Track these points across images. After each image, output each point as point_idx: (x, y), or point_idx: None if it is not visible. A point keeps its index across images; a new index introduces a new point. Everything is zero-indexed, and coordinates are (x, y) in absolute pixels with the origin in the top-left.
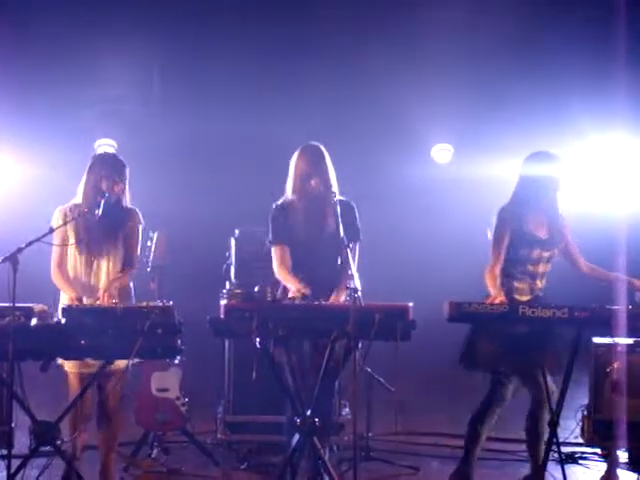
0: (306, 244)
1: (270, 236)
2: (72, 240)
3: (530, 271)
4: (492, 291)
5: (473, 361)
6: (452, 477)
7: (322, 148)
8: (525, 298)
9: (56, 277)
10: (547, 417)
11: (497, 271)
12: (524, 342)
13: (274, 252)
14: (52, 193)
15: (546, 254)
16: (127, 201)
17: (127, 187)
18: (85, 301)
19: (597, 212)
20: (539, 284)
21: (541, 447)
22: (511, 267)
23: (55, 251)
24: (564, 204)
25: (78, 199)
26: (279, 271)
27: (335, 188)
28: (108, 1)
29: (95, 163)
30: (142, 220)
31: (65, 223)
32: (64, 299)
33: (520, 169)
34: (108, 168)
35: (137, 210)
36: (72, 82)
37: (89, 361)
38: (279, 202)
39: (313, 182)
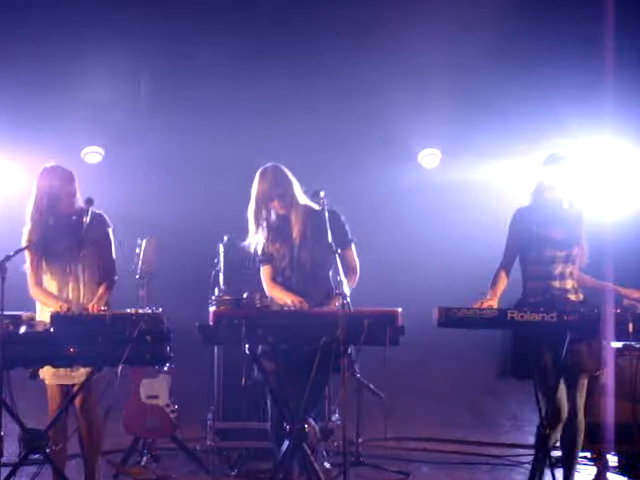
0: (283, 272)
1: (259, 255)
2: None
3: (543, 272)
4: (487, 294)
5: (523, 370)
6: None
7: (279, 167)
8: (538, 298)
9: (36, 294)
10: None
11: (500, 272)
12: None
13: (262, 272)
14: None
15: (561, 254)
16: (80, 203)
17: (76, 192)
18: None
19: (586, 215)
20: (557, 284)
21: (576, 454)
22: (525, 268)
23: (29, 269)
24: (587, 207)
25: (33, 218)
26: (270, 290)
27: (301, 197)
28: (96, 9)
29: (38, 180)
30: (110, 223)
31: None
32: (42, 312)
33: (539, 172)
34: (54, 178)
35: (102, 214)
36: (59, 89)
37: (68, 372)
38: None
39: (274, 205)
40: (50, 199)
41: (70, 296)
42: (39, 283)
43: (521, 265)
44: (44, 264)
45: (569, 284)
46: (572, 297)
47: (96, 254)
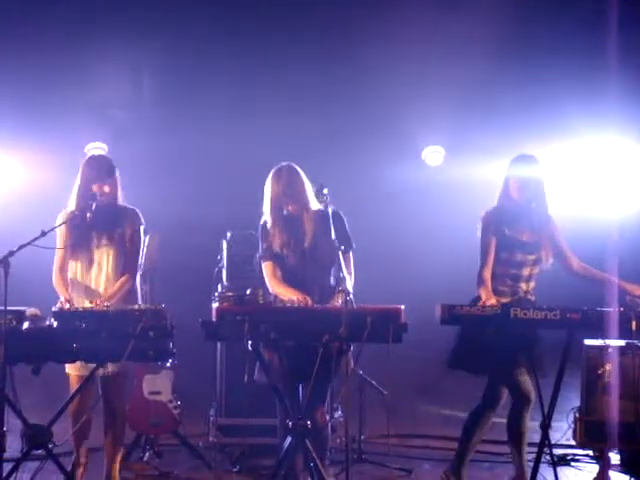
0: (290, 269)
1: (260, 251)
2: (61, 244)
3: (513, 274)
4: (482, 294)
5: (457, 361)
6: (443, 478)
7: (294, 168)
8: (505, 299)
9: (56, 281)
10: (528, 417)
11: (486, 274)
12: (506, 343)
13: (264, 268)
14: (43, 197)
15: (531, 257)
16: (120, 200)
17: (119, 186)
18: (87, 304)
19: (589, 213)
20: (524, 287)
21: (524, 448)
22: (495, 269)
23: (56, 255)
24: (554, 205)
25: (71, 205)
26: (272, 285)
27: (313, 202)
28: (98, 7)
29: (83, 167)
30: (143, 220)
31: (53, 228)
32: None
33: (506, 173)
34: (94, 170)
35: (136, 210)
36: (62, 87)
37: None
38: (264, 219)
39: (287, 206)
40: (93, 189)
41: (92, 285)
42: (61, 270)
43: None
44: (72, 251)
45: (532, 286)
46: (532, 298)
47: (123, 247)
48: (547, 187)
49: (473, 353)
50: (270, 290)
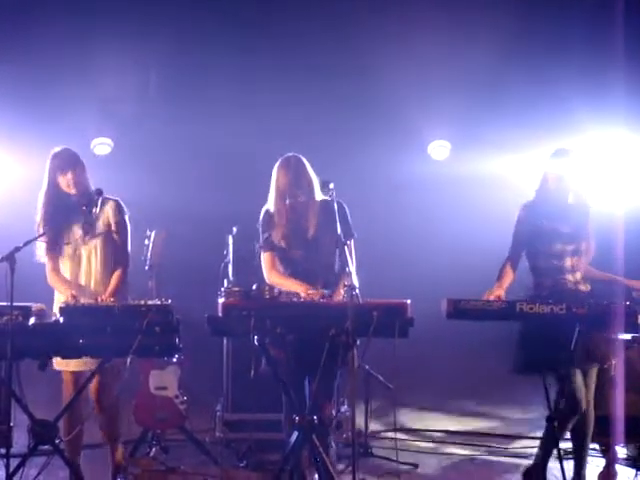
0: (293, 260)
1: (260, 241)
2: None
3: (555, 265)
4: (494, 287)
5: (526, 365)
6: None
7: (301, 159)
8: (548, 293)
9: (51, 280)
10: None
11: (506, 264)
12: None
13: (263, 258)
14: None
15: (569, 247)
16: (92, 188)
17: (88, 177)
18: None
19: (596, 208)
20: (571, 278)
21: (587, 445)
22: (535, 263)
23: (47, 257)
24: (594, 200)
25: (40, 206)
26: (270, 276)
27: (318, 193)
28: (105, 1)
29: (48, 163)
30: (126, 209)
31: (57, 225)
32: (59, 300)
33: (545, 167)
34: (56, 160)
35: (118, 200)
36: (68, 82)
37: (83, 359)
38: (266, 208)
39: (293, 197)
40: (61, 183)
41: (83, 282)
42: (56, 269)
43: (530, 260)
44: (58, 249)
45: (579, 276)
46: (582, 288)
47: (110, 240)
48: (585, 181)
49: (546, 351)
50: (267, 281)
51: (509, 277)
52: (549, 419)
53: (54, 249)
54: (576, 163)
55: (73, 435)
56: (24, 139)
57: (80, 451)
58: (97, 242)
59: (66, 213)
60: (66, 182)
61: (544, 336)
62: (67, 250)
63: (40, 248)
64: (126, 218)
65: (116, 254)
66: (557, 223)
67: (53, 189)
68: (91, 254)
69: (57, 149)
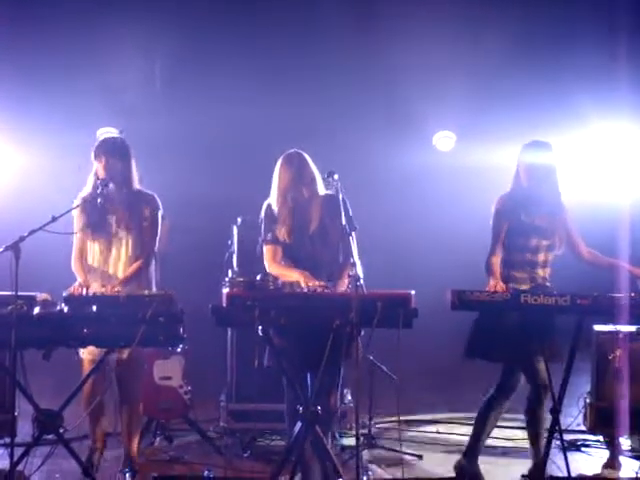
0: (297, 255)
1: (262, 235)
2: (77, 229)
3: (529, 260)
4: (490, 280)
5: (473, 350)
6: (457, 466)
7: (303, 155)
8: (524, 287)
9: (74, 265)
10: (546, 404)
11: (494, 260)
12: (523, 330)
13: (265, 251)
14: (54, 181)
15: (545, 242)
16: (135, 183)
17: (133, 170)
18: (103, 289)
19: (600, 200)
20: (541, 272)
21: (542, 435)
22: (510, 256)
23: (75, 240)
24: (566, 191)
25: (87, 189)
26: (271, 267)
27: (321, 188)
28: None
29: (94, 150)
30: (160, 206)
31: (63, 214)
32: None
33: (517, 158)
34: (100, 151)
35: (154, 196)
36: (74, 70)
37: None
38: (268, 203)
39: (296, 193)
40: (97, 170)
41: (111, 270)
42: (80, 255)
43: (504, 252)
44: (91, 238)
45: (547, 272)
46: (548, 285)
47: (140, 232)
48: (559, 173)
49: (489, 341)
50: (267, 269)
51: (499, 268)
52: (553, 411)
53: (86, 234)
54: (550, 156)
55: (96, 410)
56: (28, 128)
57: (103, 422)
58: (130, 233)
59: (103, 200)
60: (100, 169)
61: (545, 327)
62: (101, 237)
63: (75, 224)
64: (159, 214)
65: (143, 245)
66: (534, 217)
67: (94, 175)
68: (122, 244)
69: (103, 138)
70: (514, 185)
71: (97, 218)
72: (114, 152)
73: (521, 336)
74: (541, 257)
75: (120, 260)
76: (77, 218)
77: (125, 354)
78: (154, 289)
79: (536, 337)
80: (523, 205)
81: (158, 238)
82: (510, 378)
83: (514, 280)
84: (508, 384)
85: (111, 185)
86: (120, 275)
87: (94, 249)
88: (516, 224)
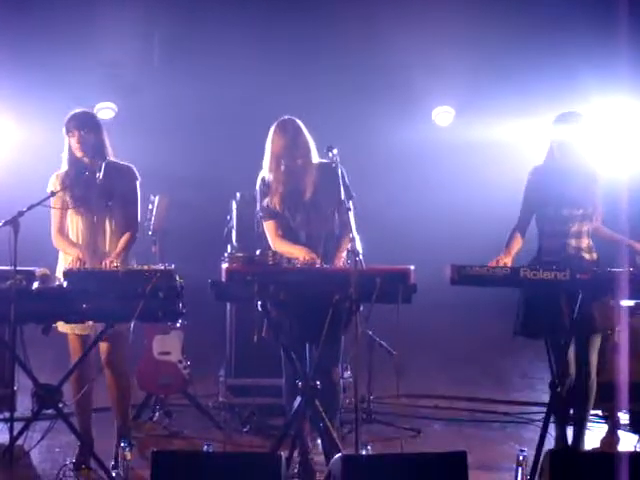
0: (292, 224)
1: (259, 211)
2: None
3: (559, 230)
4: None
5: (533, 329)
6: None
7: (297, 121)
8: (550, 258)
9: (57, 241)
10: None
11: (515, 231)
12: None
13: (266, 227)
14: (52, 158)
15: (577, 212)
16: (110, 155)
17: (105, 142)
18: (89, 264)
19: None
20: (574, 243)
21: (586, 413)
22: (541, 227)
23: (54, 217)
24: (598, 163)
25: (63, 166)
26: (275, 244)
27: (315, 156)
28: None
29: (65, 125)
30: (138, 176)
31: (55, 193)
32: (65, 262)
33: (550, 131)
34: (72, 125)
35: (132, 167)
36: (71, 46)
37: (88, 322)
38: (262, 176)
39: (290, 160)
40: (71, 145)
41: (99, 246)
42: (62, 231)
43: (538, 223)
44: (74, 213)
45: (584, 242)
46: (586, 256)
47: (122, 205)
48: (592, 144)
49: (548, 315)
50: (272, 247)
51: (518, 243)
52: (552, 385)
53: (63, 211)
54: (580, 127)
55: (82, 399)
56: (26, 104)
57: (91, 415)
58: (111, 206)
59: (80, 176)
60: (73, 144)
61: (547, 302)
62: (82, 212)
63: (54, 202)
64: (137, 184)
65: (126, 219)
66: (565, 188)
67: (68, 151)
68: (104, 218)
69: (78, 111)
70: (547, 158)
71: (78, 194)
72: (85, 125)
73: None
74: (574, 227)
75: (105, 234)
76: (62, 195)
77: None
78: (134, 263)
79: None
80: (553, 176)
81: (139, 207)
82: (562, 356)
83: (544, 251)
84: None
85: (86, 159)
86: (106, 249)
87: (77, 225)
88: (546, 194)
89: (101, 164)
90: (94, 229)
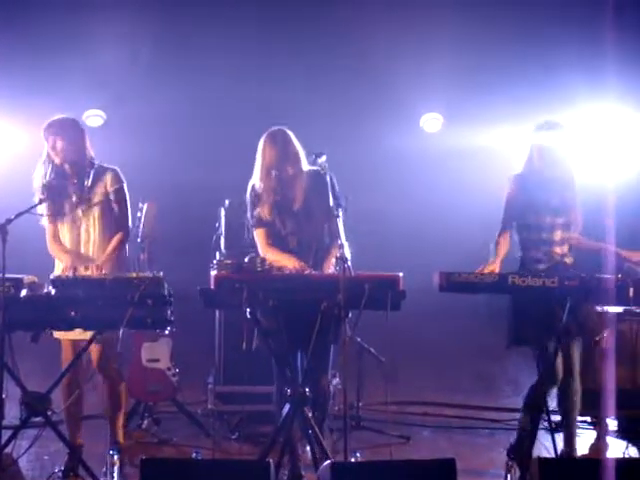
0: (282, 233)
1: (250, 220)
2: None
3: (545, 238)
4: (489, 260)
5: (520, 338)
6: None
7: (287, 132)
8: (541, 266)
9: (51, 248)
10: (575, 385)
11: (500, 239)
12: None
13: (256, 235)
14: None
15: (560, 220)
16: (90, 159)
17: (86, 145)
18: (88, 271)
19: (587, 182)
20: (558, 250)
21: (574, 416)
22: (525, 236)
23: (46, 229)
24: (579, 171)
25: (37, 176)
26: (265, 252)
27: (305, 165)
28: None
29: (43, 132)
30: (123, 179)
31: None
32: (58, 269)
33: (530, 138)
34: (50, 133)
35: (116, 169)
36: (59, 52)
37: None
38: (252, 184)
39: (279, 170)
40: (50, 152)
41: (82, 250)
42: (55, 238)
43: (520, 232)
44: (60, 222)
45: (566, 249)
46: (567, 261)
47: (108, 210)
48: (571, 152)
49: (533, 325)
50: (262, 255)
51: (505, 248)
52: (538, 390)
53: (53, 218)
54: (561, 135)
55: (73, 406)
56: (15, 110)
57: (81, 423)
58: (95, 212)
59: (62, 183)
60: (51, 150)
61: (536, 309)
62: (66, 220)
63: (42, 214)
64: (124, 187)
65: (117, 222)
66: (546, 195)
67: (47, 158)
68: (90, 224)
69: (55, 118)
70: (526, 165)
71: (59, 201)
72: (64, 132)
73: (553, 317)
74: (557, 235)
75: (90, 240)
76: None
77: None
78: (130, 270)
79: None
80: (535, 184)
81: (129, 210)
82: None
83: (530, 260)
84: (552, 369)
85: (66, 166)
86: (93, 254)
87: (63, 232)
88: (528, 203)
89: (85, 170)
90: (79, 236)
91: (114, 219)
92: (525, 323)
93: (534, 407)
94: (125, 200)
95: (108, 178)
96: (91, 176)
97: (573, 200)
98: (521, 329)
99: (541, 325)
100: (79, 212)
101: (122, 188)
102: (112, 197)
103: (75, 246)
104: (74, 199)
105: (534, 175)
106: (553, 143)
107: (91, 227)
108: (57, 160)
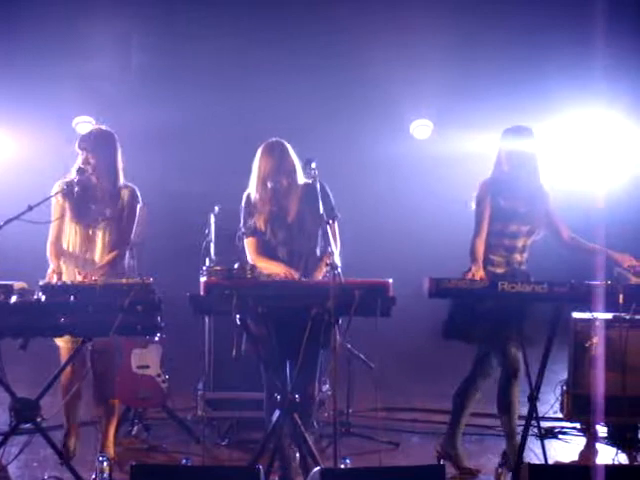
0: (275, 245)
1: (242, 228)
2: (56, 215)
3: (507, 244)
4: (472, 267)
5: (450, 331)
6: (438, 451)
7: (284, 144)
8: (500, 270)
9: (49, 251)
10: (517, 390)
11: (478, 244)
12: (499, 314)
13: (247, 243)
14: (30, 170)
15: (525, 228)
16: (119, 175)
17: (118, 163)
18: (79, 276)
19: (575, 187)
20: (518, 257)
21: (514, 420)
22: (488, 239)
23: (52, 226)
24: (546, 177)
25: (71, 175)
26: (256, 260)
27: (300, 177)
28: None
29: (78, 142)
30: (140, 200)
31: (40, 202)
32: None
33: (498, 144)
34: (84, 144)
35: (135, 189)
36: (50, 58)
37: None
38: (247, 193)
39: (276, 182)
40: (89, 166)
41: (87, 256)
42: (57, 241)
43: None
44: (71, 221)
45: (525, 256)
46: (523, 268)
47: (118, 223)
48: (540, 158)
49: (467, 323)
50: (251, 262)
51: (481, 252)
52: (530, 399)
53: (62, 220)
54: (530, 140)
55: (72, 409)
56: (5, 116)
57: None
58: (109, 224)
59: (85, 191)
60: (83, 164)
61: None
62: (80, 226)
63: (55, 210)
64: (137, 207)
65: (119, 235)
66: (514, 203)
67: (76, 168)
68: (99, 234)
69: (95, 128)
70: (495, 170)
71: (79, 204)
72: (97, 145)
73: (497, 320)
74: (520, 242)
75: (97, 247)
76: (57, 203)
77: (99, 343)
78: (127, 277)
79: (512, 322)
80: (503, 190)
81: (134, 231)
82: (485, 361)
83: (490, 263)
84: (484, 366)
85: (93, 177)
86: (97, 260)
87: (72, 234)
88: (496, 209)
89: (110, 185)
90: (88, 241)
91: (120, 233)
92: (467, 320)
93: (504, 407)
94: (134, 219)
95: (125, 195)
96: (115, 190)
97: (540, 206)
98: (461, 324)
99: (487, 325)
100: (95, 219)
101: (136, 207)
102: (125, 213)
103: (80, 249)
104: (92, 207)
105: (502, 181)
106: (521, 148)
107: (100, 235)
108: (88, 171)
